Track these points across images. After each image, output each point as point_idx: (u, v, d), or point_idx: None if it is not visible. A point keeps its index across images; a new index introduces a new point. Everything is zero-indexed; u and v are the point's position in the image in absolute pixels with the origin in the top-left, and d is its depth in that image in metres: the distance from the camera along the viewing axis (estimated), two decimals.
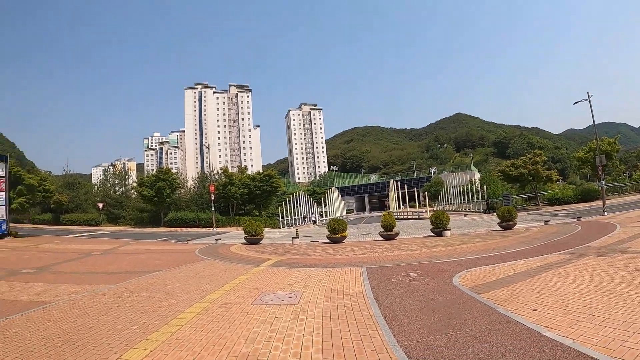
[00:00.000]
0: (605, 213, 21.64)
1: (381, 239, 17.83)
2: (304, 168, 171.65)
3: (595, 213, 22.88)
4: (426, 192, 69.55)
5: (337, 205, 60.23)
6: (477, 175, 64.14)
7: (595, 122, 28.12)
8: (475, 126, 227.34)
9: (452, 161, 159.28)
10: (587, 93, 26.87)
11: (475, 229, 20.29)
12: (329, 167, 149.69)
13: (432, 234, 18.02)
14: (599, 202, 37.36)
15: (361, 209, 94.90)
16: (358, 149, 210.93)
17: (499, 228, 18.70)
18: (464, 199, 44.84)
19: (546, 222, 19.72)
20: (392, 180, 78.53)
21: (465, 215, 36.45)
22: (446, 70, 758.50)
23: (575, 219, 20.10)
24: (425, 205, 56.88)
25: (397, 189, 65.19)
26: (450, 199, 50.71)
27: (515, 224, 18.71)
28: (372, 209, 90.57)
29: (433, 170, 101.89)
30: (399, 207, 63.68)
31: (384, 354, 4.12)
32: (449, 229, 17.92)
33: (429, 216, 22.82)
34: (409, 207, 63.34)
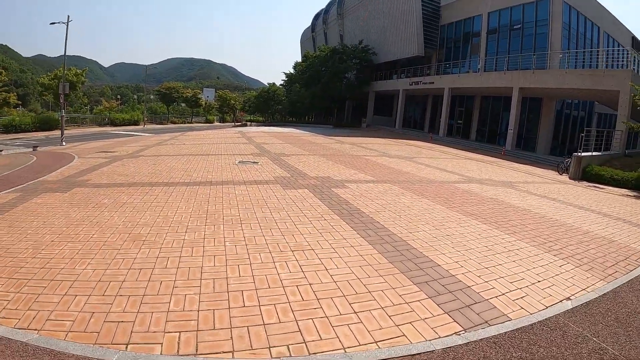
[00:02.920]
0: (64, 143, 20.91)
1: None
2: None
3: (54, 143, 21.71)
4: None
5: None
6: None
7: (68, 53, 26.25)
8: None
9: None
10: (68, 16, 24.36)
11: None
12: None
13: None
14: (58, 132, 36.77)
15: None
16: None
17: None
18: None
19: None
20: None
21: None
22: None
23: (32, 149, 18.12)
24: None
25: None
26: None
27: None
28: None
29: None
30: None
31: None
32: None
33: None
34: None
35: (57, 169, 10.75)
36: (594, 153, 17.66)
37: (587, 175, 16.17)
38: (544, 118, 28.59)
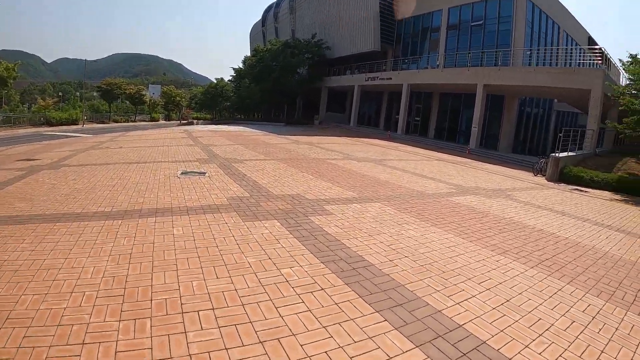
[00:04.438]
0: None
1: None
2: None
3: None
4: None
5: None
6: None
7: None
8: None
9: None
10: None
11: None
12: None
13: None
14: None
15: None
16: None
17: None
18: None
19: None
20: None
21: None
22: None
23: None
24: None
25: None
26: None
27: None
28: None
29: None
30: None
31: None
32: None
33: None
34: None
35: None
36: (570, 153, 16.70)
37: (565, 177, 15.17)
38: (507, 116, 27.89)
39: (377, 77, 34.38)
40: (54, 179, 8.77)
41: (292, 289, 3.53)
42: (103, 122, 53.60)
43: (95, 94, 73.47)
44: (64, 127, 39.46)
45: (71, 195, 7.01)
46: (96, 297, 3.23)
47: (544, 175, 15.94)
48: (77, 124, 44.54)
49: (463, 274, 4.25)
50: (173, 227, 5.17)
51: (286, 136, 24.19)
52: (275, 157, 13.55)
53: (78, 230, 4.93)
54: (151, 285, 3.48)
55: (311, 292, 3.52)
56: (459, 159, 19.66)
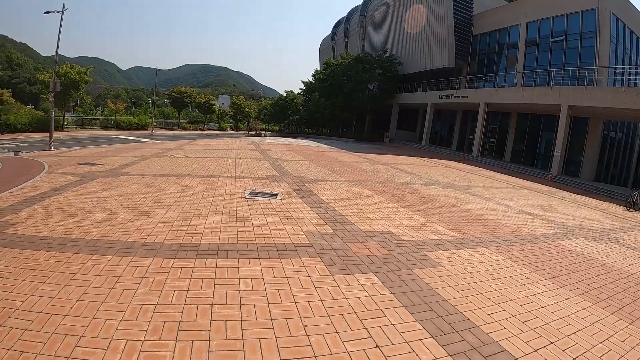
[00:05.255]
0: (52, 148, 18.27)
1: None
2: None
3: (45, 146, 19.12)
4: None
5: None
6: None
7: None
8: None
9: None
10: (63, 4, 21.98)
11: None
12: None
13: None
14: (61, 133, 34.55)
15: None
16: None
17: None
18: None
19: None
20: None
21: None
22: None
23: (13, 153, 15.55)
24: None
25: None
26: None
27: None
28: None
29: None
30: None
31: None
32: None
33: None
34: None
35: (10, 188, 7.96)
36: None
37: None
38: (590, 140, 25.43)
39: (452, 95, 33.01)
40: (108, 189, 8.61)
41: None
42: (172, 129, 56.04)
43: (166, 101, 76.51)
44: (133, 132, 41.38)
45: (121, 214, 6.55)
46: None
47: (637, 210, 14.46)
48: (146, 129, 46.78)
49: None
50: (239, 278, 4.19)
51: (358, 153, 23.67)
52: (351, 178, 13.03)
53: (116, 271, 4.20)
54: None
55: None
56: (542, 187, 18.17)
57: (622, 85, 23.81)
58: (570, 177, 23.62)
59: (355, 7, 58.57)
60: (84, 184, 9.24)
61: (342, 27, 61.40)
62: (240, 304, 3.64)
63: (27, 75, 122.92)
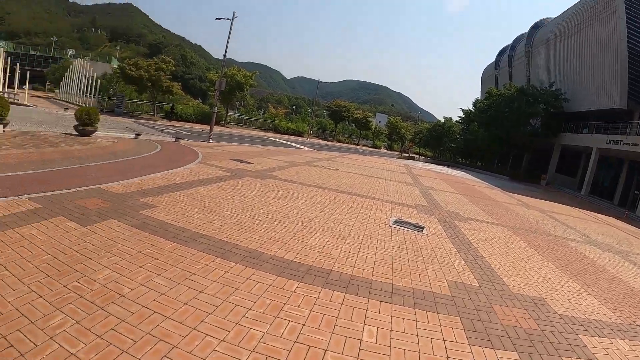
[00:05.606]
0: (211, 140, 20.38)
1: None
2: None
3: (204, 138, 21.47)
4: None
5: None
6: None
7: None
8: (140, 23, 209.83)
9: (100, 49, 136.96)
10: (233, 13, 25.01)
11: (48, 128, 15.22)
12: None
13: None
14: (222, 129, 39.12)
15: None
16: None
17: (75, 132, 14.13)
18: (86, 92, 36.25)
19: (137, 135, 16.51)
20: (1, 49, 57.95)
21: (65, 109, 27.94)
22: None
23: (174, 139, 17.75)
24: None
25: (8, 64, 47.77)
26: (71, 88, 40.63)
27: (94, 131, 14.59)
28: None
29: (71, 52, 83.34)
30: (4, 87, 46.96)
31: None
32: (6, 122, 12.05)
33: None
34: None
35: (137, 177, 8.44)
36: None
37: None
38: None
39: (622, 142, 27.16)
40: (253, 190, 8.62)
41: None
42: (327, 140, 58.30)
43: (324, 112, 79.24)
44: (290, 137, 43.96)
45: (258, 219, 6.35)
46: None
47: None
48: (302, 136, 49.42)
49: None
50: (364, 324, 3.51)
51: (512, 194, 21.21)
52: (503, 221, 11.19)
53: (235, 282, 3.90)
54: None
55: None
56: None
57: None
58: None
59: (522, 34, 54.25)
60: (231, 180, 9.59)
61: (507, 55, 57.32)
62: (358, 357, 2.99)
63: (199, 73, 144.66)
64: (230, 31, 23.31)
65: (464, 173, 31.97)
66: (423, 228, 7.85)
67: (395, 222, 7.94)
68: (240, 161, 13.55)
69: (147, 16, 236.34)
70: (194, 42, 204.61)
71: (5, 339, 2.44)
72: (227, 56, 24.92)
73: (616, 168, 32.31)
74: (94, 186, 6.75)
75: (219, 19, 25.07)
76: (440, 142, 56.41)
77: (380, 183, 14.23)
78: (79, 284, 3.31)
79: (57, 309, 2.88)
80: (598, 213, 21.34)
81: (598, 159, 30.89)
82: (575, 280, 6.53)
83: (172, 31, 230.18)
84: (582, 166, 35.83)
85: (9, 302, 2.85)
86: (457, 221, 9.44)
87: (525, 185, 32.17)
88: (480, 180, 26.60)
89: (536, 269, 6.67)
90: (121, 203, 6.02)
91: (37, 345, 2.44)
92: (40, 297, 3.01)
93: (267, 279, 4.12)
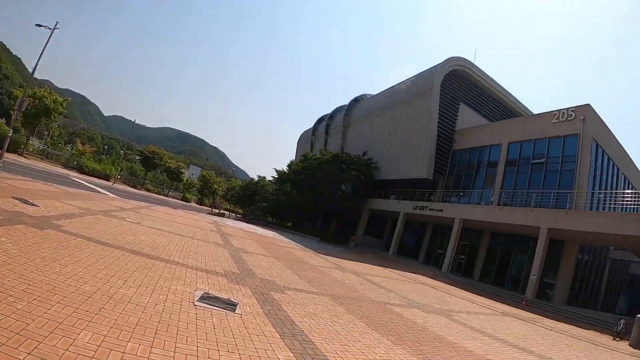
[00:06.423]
0: None
1: None
2: None
3: None
4: None
5: None
6: None
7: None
8: None
9: None
10: (56, 22, 21.59)
11: None
12: None
13: None
14: (19, 158, 31.97)
15: None
16: None
17: None
18: None
19: None
20: None
21: None
22: None
23: None
24: None
25: None
26: None
27: None
28: None
29: None
30: None
31: None
32: None
33: None
34: None
35: None
36: None
37: None
38: (565, 263, 24.70)
39: (427, 207, 32.87)
40: (19, 246, 6.27)
41: None
42: (135, 187, 54.11)
43: (137, 157, 72.77)
44: (94, 179, 39.11)
45: (9, 293, 4.19)
46: None
47: (624, 339, 14.15)
48: (109, 180, 44.68)
49: None
50: None
51: (324, 256, 21.91)
52: (323, 289, 10.77)
53: None
54: None
55: None
56: (523, 313, 17.33)
57: (600, 209, 24.39)
58: (543, 300, 22.75)
59: (341, 106, 60.69)
60: None
61: (325, 123, 63.00)
62: None
63: (10, 89, 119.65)
64: (47, 43, 19.92)
65: (275, 233, 32.45)
66: (236, 305, 6.57)
67: (202, 298, 6.47)
68: (25, 202, 10.60)
69: None
70: (14, 54, 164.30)
71: None
72: (46, 78, 21.71)
73: (421, 230, 38.30)
74: None
75: (40, 25, 21.42)
76: (252, 201, 57.88)
77: (186, 243, 12.54)
78: None
79: None
80: (407, 272, 24.35)
81: (405, 222, 36.36)
82: (416, 355, 6.45)
83: None
84: (388, 228, 41.52)
85: None
86: (274, 292, 8.48)
87: (335, 247, 34.41)
88: (292, 242, 27.02)
89: (373, 349, 6.25)
90: None
91: None
92: None
93: None
